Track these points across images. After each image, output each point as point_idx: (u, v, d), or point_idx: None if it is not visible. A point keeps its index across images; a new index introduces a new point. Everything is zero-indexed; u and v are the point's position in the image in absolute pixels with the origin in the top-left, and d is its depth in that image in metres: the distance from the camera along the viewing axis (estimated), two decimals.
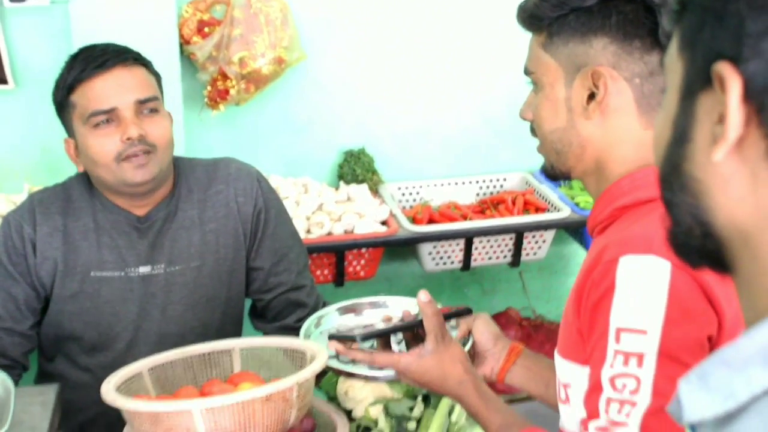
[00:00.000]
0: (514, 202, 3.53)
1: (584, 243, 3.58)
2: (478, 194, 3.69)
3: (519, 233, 3.44)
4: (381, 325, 1.86)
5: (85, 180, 2.32)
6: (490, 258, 3.51)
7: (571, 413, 1.54)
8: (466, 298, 3.86)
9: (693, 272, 1.34)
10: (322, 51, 3.45)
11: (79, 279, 2.27)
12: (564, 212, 3.41)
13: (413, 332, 1.83)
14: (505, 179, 3.71)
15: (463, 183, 3.69)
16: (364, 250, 3.35)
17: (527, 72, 1.61)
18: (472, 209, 3.56)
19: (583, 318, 1.47)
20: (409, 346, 1.82)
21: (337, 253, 3.29)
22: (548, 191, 3.54)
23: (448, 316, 1.80)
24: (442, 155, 3.71)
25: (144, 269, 2.29)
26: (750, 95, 0.74)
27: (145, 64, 2.26)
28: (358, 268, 3.40)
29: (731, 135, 0.75)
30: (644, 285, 1.36)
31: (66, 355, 2.35)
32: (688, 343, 1.35)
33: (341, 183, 3.53)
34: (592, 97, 1.50)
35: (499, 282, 3.89)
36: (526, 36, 1.61)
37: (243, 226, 2.37)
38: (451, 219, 3.46)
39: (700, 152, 0.81)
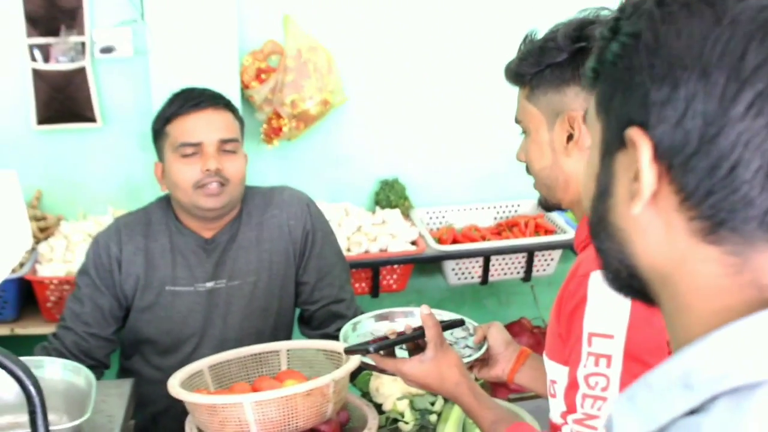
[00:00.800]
0: (526, 225, 3.54)
1: None
2: (495, 218, 3.69)
3: (530, 252, 3.45)
4: (388, 337, 1.87)
5: (164, 205, 2.37)
6: (505, 273, 3.51)
7: (556, 407, 1.56)
8: (485, 308, 3.86)
9: None
10: (361, 94, 3.49)
11: (155, 292, 2.31)
12: (570, 234, 3.41)
13: (415, 343, 1.85)
14: (519, 205, 3.71)
15: (483, 208, 3.69)
16: (396, 266, 3.36)
17: (517, 121, 1.64)
18: (490, 231, 3.56)
19: (561, 324, 1.50)
20: (411, 354, 1.83)
21: (372, 269, 3.31)
22: (556, 216, 3.54)
23: (445, 327, 1.81)
24: (464, 184, 3.72)
25: (209, 284, 2.33)
26: (660, 156, 0.74)
27: (232, 110, 2.32)
28: (391, 281, 3.41)
29: (645, 192, 0.75)
30: (611, 296, 1.37)
31: (142, 355, 2.39)
32: (649, 345, 1.37)
33: (377, 208, 3.55)
34: (570, 138, 1.52)
35: (513, 295, 3.89)
36: None
37: (293, 246, 2.40)
38: (472, 239, 3.47)
39: (620, 205, 0.80)
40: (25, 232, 1.49)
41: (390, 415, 2.08)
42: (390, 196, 3.56)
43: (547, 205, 1.65)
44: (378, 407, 2.08)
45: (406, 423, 2.06)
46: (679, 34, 0.73)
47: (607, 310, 1.39)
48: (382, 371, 1.92)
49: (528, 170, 1.64)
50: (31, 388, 1.57)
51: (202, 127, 2.24)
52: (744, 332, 0.71)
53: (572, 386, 1.44)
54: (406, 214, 3.54)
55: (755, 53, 0.70)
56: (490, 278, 3.48)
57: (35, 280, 3.01)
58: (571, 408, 1.45)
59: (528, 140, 1.61)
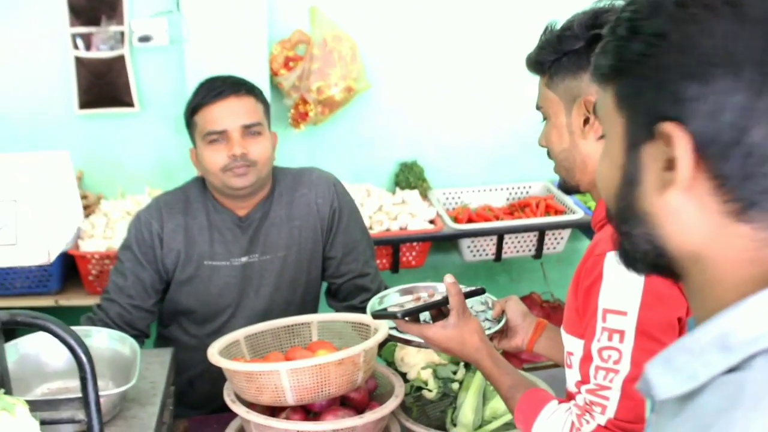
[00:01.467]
0: (537, 206, 3.51)
1: None
2: (508, 199, 3.67)
3: (542, 231, 3.43)
4: (411, 304, 1.86)
5: (200, 184, 2.36)
6: (517, 251, 3.49)
7: (572, 376, 1.55)
8: (498, 284, 3.85)
9: None
10: (383, 81, 3.47)
11: (194, 266, 2.31)
12: (578, 214, 3.38)
13: (438, 309, 1.83)
14: (530, 187, 3.68)
15: (496, 189, 3.66)
16: (415, 243, 3.34)
17: (538, 107, 1.63)
18: (503, 211, 3.54)
19: (578, 300, 1.49)
20: (434, 320, 1.82)
21: (393, 246, 3.29)
22: (566, 197, 3.51)
23: (467, 295, 1.80)
24: (479, 166, 3.70)
25: (244, 259, 2.32)
26: (695, 147, 0.75)
27: (255, 94, 2.29)
28: (410, 258, 3.39)
29: (684, 180, 0.76)
30: (625, 275, 1.36)
31: (179, 324, 2.38)
32: (660, 322, 1.37)
33: (397, 189, 3.53)
34: (587, 121, 1.51)
35: (524, 271, 3.87)
36: None
37: (321, 223, 2.38)
38: (486, 219, 3.44)
39: (650, 192, 0.81)
40: (76, 207, 1.48)
41: (414, 383, 2.06)
42: (409, 177, 3.54)
43: (567, 187, 1.63)
44: (403, 376, 2.06)
45: (430, 391, 2.05)
46: (705, 34, 0.74)
47: (621, 288, 1.38)
48: (408, 342, 1.92)
49: (549, 155, 1.62)
50: (82, 356, 1.56)
51: (226, 115, 2.22)
52: None
53: (586, 358, 1.44)
54: (424, 195, 3.52)
55: None
56: (503, 255, 3.46)
57: (78, 254, 3.00)
58: (585, 378, 1.44)
59: (548, 125, 1.60)
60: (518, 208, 3.55)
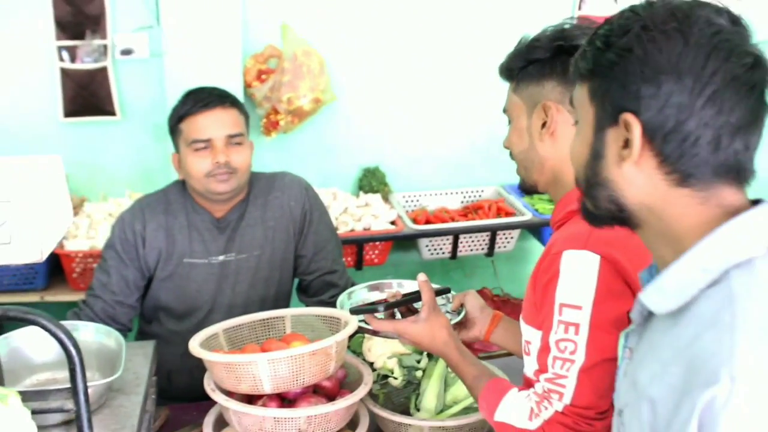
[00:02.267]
0: (490, 208, 3.52)
1: (541, 239, 3.57)
2: (462, 201, 3.66)
3: (493, 231, 3.43)
4: (377, 300, 1.86)
5: (180, 187, 2.32)
6: (471, 250, 3.49)
7: (529, 363, 1.54)
8: (452, 280, 3.84)
9: (616, 263, 1.37)
10: (348, 94, 3.46)
11: (174, 264, 2.26)
12: (527, 216, 3.40)
13: (407, 306, 1.83)
14: (482, 191, 3.69)
15: (452, 193, 3.66)
16: (378, 243, 3.33)
17: (505, 111, 1.62)
18: (458, 213, 3.54)
19: (536, 294, 1.48)
20: (403, 316, 1.81)
21: (357, 245, 3.28)
22: (515, 200, 3.52)
23: (436, 293, 1.79)
24: (436, 172, 3.69)
25: (221, 257, 2.29)
26: (645, 132, 0.97)
27: (238, 106, 2.26)
28: (373, 256, 3.38)
29: (635, 155, 0.98)
30: (580, 272, 1.38)
31: (160, 321, 2.34)
32: (612, 316, 1.36)
33: (360, 192, 3.52)
34: (544, 125, 1.51)
35: (476, 268, 3.87)
36: (499, 83, 1.63)
37: (293, 224, 2.35)
38: (443, 220, 3.44)
39: (611, 164, 1.02)
40: (67, 209, 1.44)
41: (381, 372, 2.04)
42: (372, 182, 3.53)
43: (526, 187, 1.62)
44: (370, 365, 2.04)
45: (395, 378, 2.03)
46: (660, 51, 0.95)
47: (576, 285, 1.38)
48: (375, 333, 1.90)
49: (511, 156, 1.61)
50: (72, 349, 1.52)
51: (211, 124, 2.18)
52: (732, 230, 0.95)
53: (544, 349, 1.43)
54: (386, 198, 3.51)
55: (711, 64, 0.93)
56: (459, 254, 3.46)
57: (62, 253, 2.94)
58: (543, 368, 1.44)
59: (510, 127, 1.59)
60: (472, 210, 3.55)
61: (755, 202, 0.99)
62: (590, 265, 1.36)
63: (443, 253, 3.46)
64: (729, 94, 0.93)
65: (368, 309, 1.78)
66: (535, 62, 1.51)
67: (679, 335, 0.95)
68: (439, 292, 1.80)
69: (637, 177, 0.99)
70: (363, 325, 1.90)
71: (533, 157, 1.54)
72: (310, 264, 2.40)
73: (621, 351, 1.13)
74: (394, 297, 1.79)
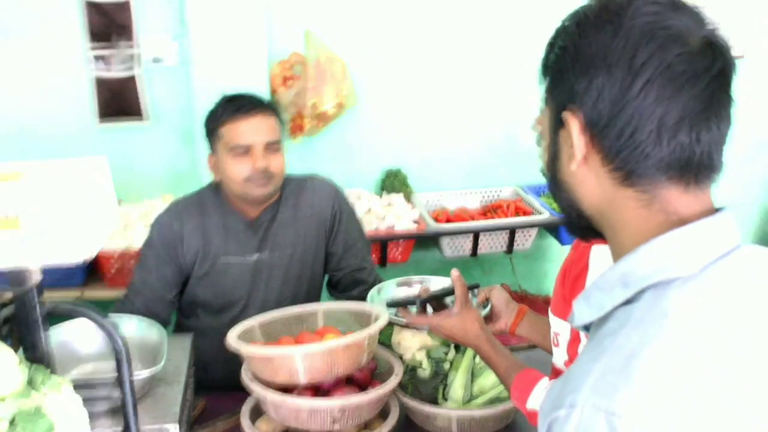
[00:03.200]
0: (508, 207, 3.53)
1: (559, 238, 3.58)
2: (481, 201, 3.68)
3: (512, 230, 3.45)
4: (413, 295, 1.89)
5: (213, 190, 2.34)
6: (491, 248, 3.51)
7: (558, 354, 1.56)
8: (472, 277, 3.80)
9: None
10: (370, 98, 3.48)
11: (210, 263, 2.29)
12: (545, 215, 3.41)
13: (438, 301, 1.85)
14: (501, 191, 3.70)
15: (471, 193, 3.68)
16: (401, 241, 3.35)
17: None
18: (478, 212, 3.56)
19: (566, 287, 1.50)
20: (435, 311, 1.84)
21: (381, 244, 3.30)
22: (533, 200, 3.54)
23: (469, 288, 1.81)
24: (455, 173, 3.71)
25: (255, 256, 2.31)
26: (585, 129, 0.89)
27: (277, 114, 2.26)
28: (397, 254, 3.40)
29: (578, 155, 0.90)
30: (608, 263, 1.38)
31: (197, 315, 2.37)
32: None
33: (384, 193, 3.54)
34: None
35: (495, 266, 3.89)
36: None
37: (324, 224, 2.38)
38: (463, 219, 3.46)
39: (564, 165, 0.94)
40: (112, 208, 1.47)
41: (410, 363, 2.07)
42: (394, 183, 3.55)
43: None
44: (399, 357, 2.06)
45: (424, 370, 2.05)
46: (590, 45, 0.88)
47: None
48: (406, 326, 1.93)
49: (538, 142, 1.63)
50: (119, 341, 1.55)
51: (252, 131, 2.19)
52: (660, 245, 0.86)
53: (575, 340, 1.45)
54: (408, 198, 3.53)
55: (642, 53, 0.85)
56: (479, 252, 3.48)
57: (100, 253, 2.98)
58: (574, 357, 1.45)
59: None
60: (491, 209, 3.57)
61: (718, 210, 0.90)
62: None
63: (464, 251, 3.47)
64: (665, 83, 0.85)
65: (406, 302, 1.81)
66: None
67: (582, 352, 0.89)
68: (469, 288, 1.82)
69: (587, 177, 0.92)
70: (394, 318, 1.93)
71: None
72: (340, 261, 2.42)
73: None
74: (425, 292, 1.81)
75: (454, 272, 1.77)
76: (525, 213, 3.50)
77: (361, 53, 3.42)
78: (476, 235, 3.41)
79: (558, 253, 3.89)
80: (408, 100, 3.55)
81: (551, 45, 0.94)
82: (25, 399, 1.20)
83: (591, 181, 0.91)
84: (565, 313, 1.51)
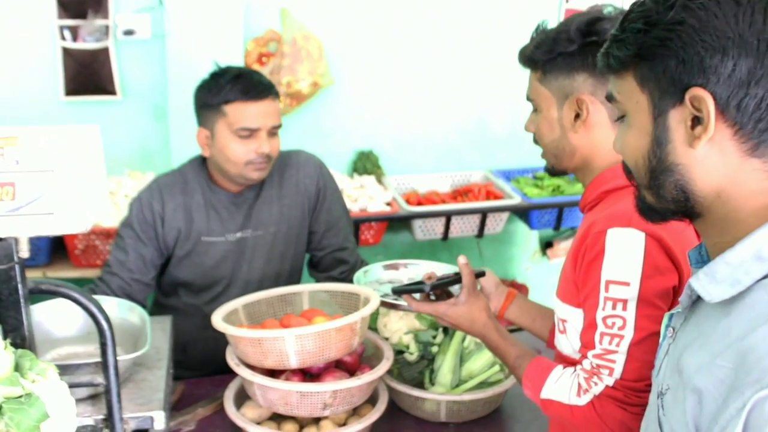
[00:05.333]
0: (479, 191, 3.46)
1: (529, 222, 3.52)
2: (451, 185, 3.59)
3: (484, 213, 3.37)
4: (417, 281, 1.79)
5: (196, 166, 2.22)
6: (462, 231, 3.43)
7: (566, 341, 1.49)
8: (440, 260, 3.71)
9: (660, 240, 1.32)
10: (345, 78, 3.36)
11: (192, 242, 2.18)
12: (516, 199, 3.34)
13: (442, 289, 1.75)
14: (471, 175, 3.62)
15: (441, 177, 3.59)
16: (373, 223, 3.25)
17: (529, 98, 1.56)
18: (448, 196, 3.47)
19: (578, 273, 1.42)
20: (438, 299, 1.75)
21: (354, 225, 3.18)
22: (503, 184, 3.47)
23: (476, 275, 1.72)
24: (426, 156, 3.62)
25: (238, 234, 2.20)
26: (717, 104, 0.87)
27: (278, 98, 2.17)
28: (368, 236, 3.30)
29: (711, 130, 0.87)
30: (626, 249, 1.32)
31: (178, 294, 2.25)
32: (659, 291, 1.32)
33: (355, 174, 3.44)
34: (577, 116, 1.46)
35: (463, 249, 3.79)
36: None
37: (308, 201, 2.28)
38: (433, 202, 3.37)
39: (679, 147, 0.91)
40: (104, 179, 1.34)
41: (396, 347, 1.98)
42: (366, 164, 3.45)
43: (554, 171, 1.56)
44: (385, 340, 1.97)
45: (411, 354, 1.97)
46: (716, 16, 0.86)
47: (623, 261, 1.32)
48: (395, 307, 1.84)
49: (535, 141, 1.56)
50: (104, 323, 1.43)
51: (262, 115, 2.08)
52: None
53: (590, 326, 1.37)
54: (379, 180, 3.43)
55: None
56: (450, 235, 3.40)
57: None
58: (589, 345, 1.38)
59: (539, 116, 1.53)
60: (461, 193, 3.49)
61: None
62: (636, 242, 1.31)
63: (435, 234, 3.39)
64: None
65: (414, 289, 1.70)
66: (563, 54, 1.44)
67: (730, 327, 0.86)
68: (477, 275, 1.73)
69: (709, 155, 0.89)
70: (384, 299, 1.84)
71: (564, 146, 1.49)
72: (321, 240, 2.33)
73: (663, 330, 1.06)
74: (429, 279, 1.72)
75: (462, 259, 1.68)
76: (496, 197, 3.42)
77: (338, 34, 3.30)
78: (449, 218, 3.32)
79: (526, 237, 3.84)
80: (382, 82, 3.44)
81: (648, 25, 0.90)
82: (13, 386, 1.07)
83: (714, 158, 0.89)
84: (575, 299, 1.43)
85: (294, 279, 2.29)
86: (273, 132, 2.13)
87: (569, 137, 1.47)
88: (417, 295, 1.74)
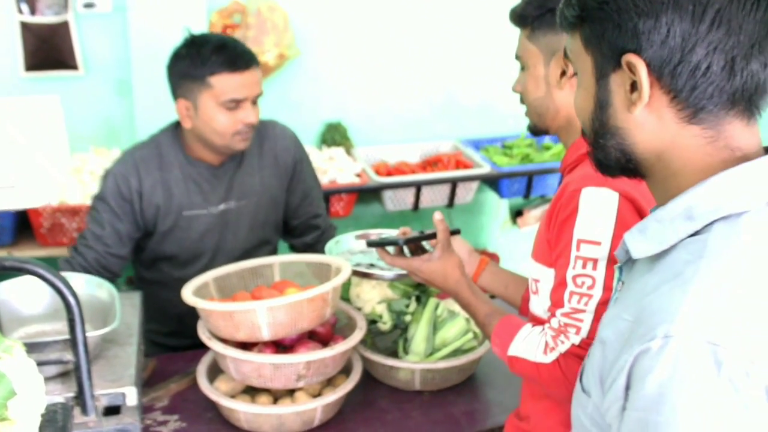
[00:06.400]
0: (449, 161, 3.44)
1: (498, 191, 3.52)
2: (420, 155, 3.57)
3: (454, 183, 3.36)
4: (396, 235, 1.79)
5: (170, 137, 2.17)
6: (432, 202, 3.41)
7: (538, 302, 1.49)
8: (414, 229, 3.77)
9: (634, 201, 1.32)
10: (312, 49, 3.32)
11: (174, 217, 2.15)
12: (486, 168, 3.34)
13: (416, 244, 1.75)
14: (440, 145, 3.60)
15: (410, 147, 3.56)
16: (343, 195, 3.23)
17: (517, 57, 1.55)
18: (418, 166, 3.46)
19: (551, 231, 1.42)
20: (413, 254, 1.75)
21: (324, 197, 3.16)
22: (472, 153, 3.46)
23: (451, 233, 1.72)
24: (395, 127, 3.59)
25: (221, 206, 2.19)
26: (652, 70, 0.85)
27: (259, 66, 2.13)
28: (338, 208, 3.28)
29: (645, 97, 0.87)
30: (599, 208, 1.33)
31: (160, 269, 2.24)
32: None
33: (324, 146, 3.41)
34: (563, 74, 1.46)
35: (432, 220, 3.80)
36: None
37: (286, 172, 2.30)
38: (403, 173, 3.36)
39: (619, 111, 0.90)
40: (65, 151, 1.31)
41: (369, 317, 1.97)
42: (335, 136, 3.42)
43: (537, 130, 1.56)
44: (358, 310, 1.96)
45: (384, 323, 1.96)
46: None
47: (595, 220, 1.33)
48: (368, 276, 1.83)
49: (522, 100, 1.55)
50: (71, 299, 1.41)
51: (248, 85, 2.05)
52: (729, 179, 0.85)
53: (560, 285, 1.38)
54: (348, 152, 3.41)
55: None
56: (420, 206, 3.39)
57: (30, 209, 2.74)
58: (558, 303, 1.38)
59: (525, 74, 1.52)
60: (431, 163, 3.47)
61: None
62: (609, 201, 1.31)
63: (406, 204, 3.38)
64: (735, 11, 0.82)
65: (388, 242, 1.70)
66: (553, 10, 1.43)
67: (647, 282, 0.87)
68: (452, 233, 1.73)
69: (647, 120, 0.88)
70: (357, 269, 1.83)
71: (548, 104, 1.49)
72: (297, 209, 2.37)
73: (615, 283, 1.06)
74: (404, 234, 1.71)
75: (437, 215, 1.68)
76: (465, 167, 3.41)
77: (303, 3, 3.25)
78: (419, 188, 3.31)
79: (496, 206, 3.84)
80: (349, 52, 3.40)
81: None
82: None
83: (652, 123, 0.88)
84: (548, 259, 1.43)
85: (273, 245, 2.35)
86: (255, 101, 2.12)
87: (554, 95, 1.48)
88: (391, 250, 1.73)
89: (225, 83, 2.02)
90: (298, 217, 2.35)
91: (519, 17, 1.50)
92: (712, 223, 0.84)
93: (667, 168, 0.90)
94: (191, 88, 2.05)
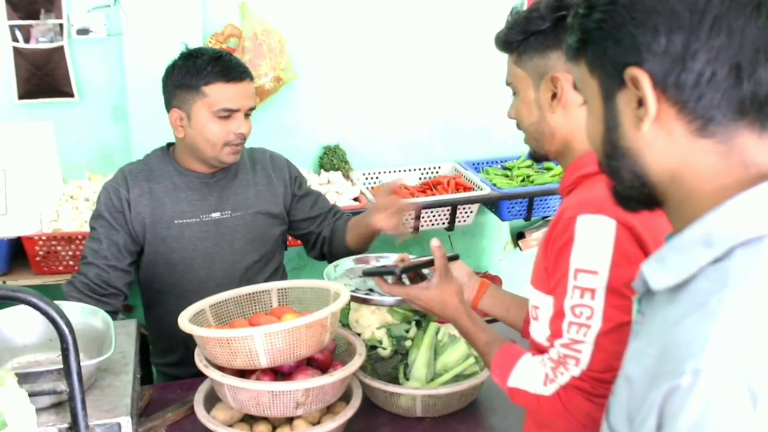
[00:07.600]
0: (448, 184, 3.45)
1: (499, 214, 3.52)
2: (420, 178, 3.59)
3: (454, 206, 3.36)
4: (390, 264, 1.78)
5: (160, 155, 2.25)
6: (432, 224, 3.42)
7: (538, 328, 1.48)
8: (412, 254, 3.76)
9: (632, 228, 1.30)
10: (309, 73, 3.34)
11: (165, 227, 2.18)
12: (486, 190, 3.34)
13: (415, 272, 1.75)
14: (439, 167, 3.62)
15: (409, 170, 3.58)
16: None
17: (507, 83, 1.55)
18: (417, 189, 3.46)
19: (548, 259, 1.41)
20: (412, 282, 1.74)
21: None
22: (472, 175, 3.47)
23: (449, 259, 1.71)
24: (393, 150, 3.60)
25: (215, 215, 2.23)
26: (656, 82, 0.84)
27: (253, 80, 2.20)
28: None
29: (652, 111, 0.85)
30: (596, 237, 1.31)
31: (163, 302, 2.27)
32: (627, 281, 1.29)
33: (321, 170, 3.41)
34: (554, 96, 1.45)
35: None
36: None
37: (282, 190, 2.34)
38: (403, 196, 3.35)
39: (628, 130, 0.89)
40: (58, 178, 1.31)
41: (369, 342, 1.96)
42: (332, 159, 3.42)
43: (537, 156, 1.55)
44: (357, 336, 1.95)
45: (384, 349, 1.96)
46: None
47: (592, 249, 1.31)
48: (367, 302, 1.83)
49: (518, 126, 1.54)
50: (65, 328, 1.39)
51: (242, 96, 2.11)
52: (746, 201, 0.82)
53: (558, 315, 1.36)
54: (346, 176, 3.41)
55: None
56: (421, 228, 3.39)
57: (24, 236, 2.74)
58: (557, 333, 1.37)
59: (517, 100, 1.52)
60: (430, 186, 3.48)
61: None
62: (606, 229, 1.29)
63: (405, 228, 3.37)
64: (734, 17, 0.81)
65: (385, 271, 1.69)
66: (536, 33, 1.44)
67: (669, 314, 0.83)
68: (450, 259, 1.72)
69: (657, 136, 0.86)
70: (356, 294, 1.82)
71: (544, 128, 1.48)
72: (315, 220, 2.41)
73: (635, 315, 1.03)
74: (402, 262, 1.70)
75: (434, 242, 1.67)
76: (465, 189, 3.42)
77: (299, 26, 3.27)
78: (419, 211, 3.31)
79: (497, 229, 3.84)
80: (347, 76, 3.42)
81: (588, 9, 0.89)
82: None
83: (662, 139, 0.86)
84: (546, 286, 1.42)
85: (278, 263, 2.37)
86: (248, 114, 2.16)
87: (547, 118, 1.46)
88: (389, 279, 1.73)
89: (219, 93, 2.07)
90: (316, 218, 2.40)
91: (504, 43, 1.50)
92: (732, 249, 0.81)
93: (681, 189, 0.87)
94: (186, 98, 2.10)
